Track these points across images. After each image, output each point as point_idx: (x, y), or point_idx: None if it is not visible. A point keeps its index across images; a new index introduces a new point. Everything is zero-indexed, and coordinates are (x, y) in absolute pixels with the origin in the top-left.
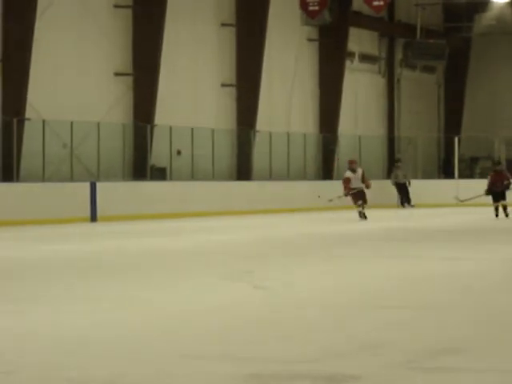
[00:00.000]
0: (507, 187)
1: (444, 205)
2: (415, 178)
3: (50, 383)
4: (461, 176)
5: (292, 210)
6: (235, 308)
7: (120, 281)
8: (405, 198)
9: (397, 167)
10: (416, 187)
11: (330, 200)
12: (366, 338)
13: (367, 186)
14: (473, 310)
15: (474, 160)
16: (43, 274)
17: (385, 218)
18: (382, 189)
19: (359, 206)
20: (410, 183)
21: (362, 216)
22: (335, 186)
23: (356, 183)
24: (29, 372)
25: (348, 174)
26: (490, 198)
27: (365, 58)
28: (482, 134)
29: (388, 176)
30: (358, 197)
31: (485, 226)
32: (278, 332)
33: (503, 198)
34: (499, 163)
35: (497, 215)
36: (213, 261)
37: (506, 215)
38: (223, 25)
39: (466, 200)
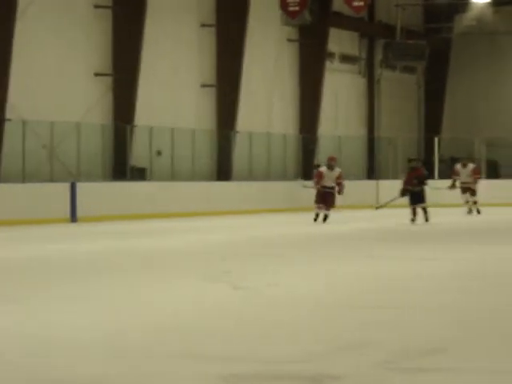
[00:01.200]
0: (420, 185)
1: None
2: (395, 178)
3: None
4: (441, 176)
5: (272, 211)
6: (216, 308)
7: (100, 281)
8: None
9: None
10: (395, 188)
11: (305, 186)
12: (347, 339)
13: (339, 191)
14: (454, 310)
15: (454, 160)
16: (24, 274)
17: (365, 218)
18: (361, 189)
19: (319, 208)
20: None
21: (317, 218)
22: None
23: (328, 182)
24: (15, 372)
25: (323, 169)
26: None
27: (345, 58)
28: (462, 134)
29: (368, 176)
30: (322, 199)
31: (460, 226)
32: (259, 332)
33: (422, 199)
34: (414, 160)
35: (413, 220)
36: (193, 261)
37: (426, 220)
38: (203, 25)
39: (381, 206)
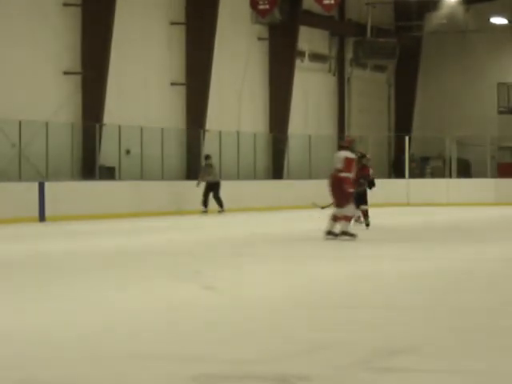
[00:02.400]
0: (364, 185)
1: (395, 204)
2: None
3: None
4: (411, 175)
5: (242, 210)
6: (184, 308)
7: (69, 281)
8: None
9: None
10: None
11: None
12: (317, 339)
13: None
14: (426, 309)
15: (425, 159)
16: None
17: None
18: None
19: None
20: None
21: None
22: (284, 186)
23: None
24: None
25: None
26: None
27: (315, 57)
28: (433, 133)
29: None
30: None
31: (437, 225)
32: (228, 332)
33: (364, 201)
34: (364, 156)
35: (357, 220)
36: (162, 261)
37: (367, 224)
38: (173, 23)
39: (326, 206)
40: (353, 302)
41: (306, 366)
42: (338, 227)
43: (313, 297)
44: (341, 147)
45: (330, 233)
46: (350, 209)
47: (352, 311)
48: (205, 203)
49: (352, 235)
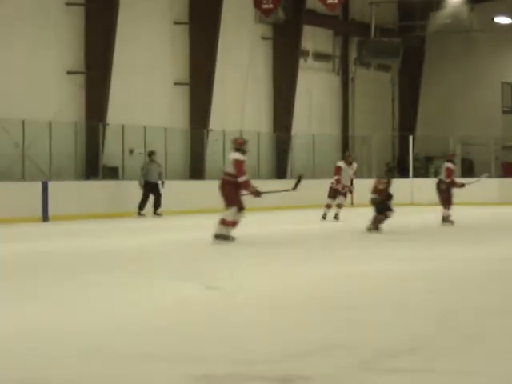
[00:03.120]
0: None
1: (398, 204)
2: (369, 177)
3: None
4: (415, 175)
5: (247, 210)
6: (186, 308)
7: (71, 281)
8: None
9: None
10: (368, 186)
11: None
12: (318, 339)
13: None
14: (428, 310)
15: (429, 159)
16: None
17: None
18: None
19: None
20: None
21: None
22: (288, 185)
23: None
24: None
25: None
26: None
27: (319, 56)
28: (437, 133)
29: None
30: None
31: (439, 224)
32: (230, 333)
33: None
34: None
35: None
36: (165, 261)
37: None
38: (176, 23)
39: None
40: (354, 302)
41: (307, 366)
42: (225, 230)
43: (314, 297)
44: (234, 149)
45: (218, 236)
46: (233, 213)
47: (353, 312)
48: (144, 204)
49: (228, 238)
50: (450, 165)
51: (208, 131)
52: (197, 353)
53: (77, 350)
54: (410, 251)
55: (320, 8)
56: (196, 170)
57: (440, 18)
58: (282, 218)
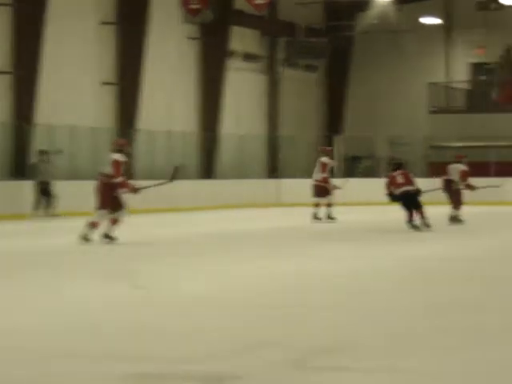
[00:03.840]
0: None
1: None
2: (295, 177)
3: None
4: (342, 175)
5: (174, 210)
6: (112, 308)
7: (1, 281)
8: None
9: None
10: (296, 186)
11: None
12: (250, 338)
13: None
14: (362, 309)
15: (356, 159)
16: None
17: (268, 216)
18: (263, 188)
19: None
20: None
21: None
22: (215, 186)
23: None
24: None
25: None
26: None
27: (247, 56)
28: (364, 133)
29: (270, 175)
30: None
31: (368, 224)
32: (161, 332)
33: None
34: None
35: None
36: (96, 260)
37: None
38: (104, 23)
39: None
40: (289, 301)
41: (240, 365)
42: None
43: (247, 296)
44: (115, 150)
45: (106, 236)
46: (100, 215)
47: (287, 310)
48: (38, 205)
49: (111, 238)
50: (463, 167)
51: (136, 131)
52: (122, 352)
53: (14, 348)
54: (343, 250)
55: (248, 8)
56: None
57: (367, 18)
58: (214, 218)
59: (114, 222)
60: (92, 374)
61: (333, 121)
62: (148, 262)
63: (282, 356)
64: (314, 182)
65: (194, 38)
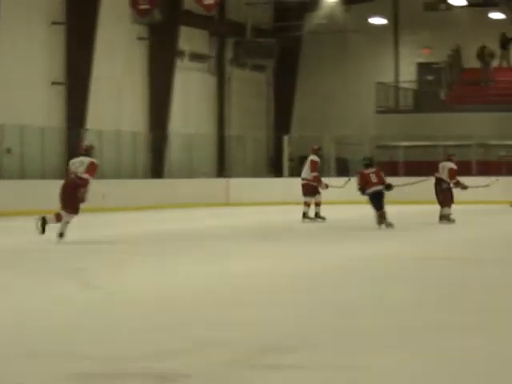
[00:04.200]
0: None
1: (271, 203)
2: (245, 176)
3: None
4: (290, 175)
5: (123, 209)
6: (66, 307)
7: None
8: None
9: None
10: (245, 186)
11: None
12: (199, 337)
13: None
14: (309, 307)
15: (304, 159)
16: None
17: (217, 215)
18: (212, 187)
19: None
20: None
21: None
22: (165, 185)
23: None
24: None
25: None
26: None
27: (195, 56)
28: (312, 132)
29: (219, 174)
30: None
31: (315, 224)
32: (108, 330)
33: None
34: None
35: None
36: (45, 259)
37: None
38: (54, 23)
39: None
40: (234, 300)
41: (187, 363)
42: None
43: (194, 295)
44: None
45: (60, 235)
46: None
47: (236, 309)
48: None
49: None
50: (452, 165)
51: (85, 131)
52: (69, 351)
53: None
54: (285, 249)
55: (196, 9)
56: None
57: (316, 18)
58: (162, 217)
59: (59, 219)
60: (37, 373)
61: (281, 120)
62: (95, 261)
63: (230, 355)
64: (303, 181)
65: (143, 39)
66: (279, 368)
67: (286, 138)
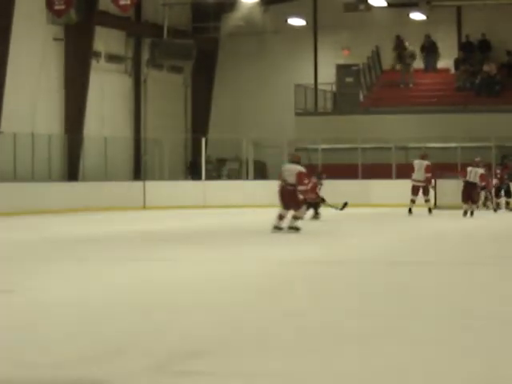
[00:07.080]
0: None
1: (189, 206)
2: (162, 179)
3: None
4: (208, 177)
5: (36, 212)
6: None
7: None
8: None
9: None
10: (163, 189)
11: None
12: (114, 342)
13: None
14: (227, 311)
15: (221, 161)
16: None
17: (132, 220)
18: (128, 190)
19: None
20: None
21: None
22: (79, 188)
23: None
24: None
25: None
26: None
27: (111, 57)
28: (230, 135)
29: (135, 177)
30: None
31: (234, 227)
32: (23, 336)
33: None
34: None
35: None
36: None
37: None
38: None
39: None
40: (150, 305)
41: (101, 369)
42: None
43: (116, 299)
44: None
45: None
46: None
47: (150, 315)
48: None
49: None
50: (427, 162)
51: None
52: None
53: None
54: (205, 253)
55: (113, 9)
56: None
57: (233, 19)
58: (78, 220)
59: None
60: None
61: (199, 123)
62: (10, 265)
63: (145, 360)
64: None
65: (58, 39)
66: (195, 374)
67: (203, 141)
